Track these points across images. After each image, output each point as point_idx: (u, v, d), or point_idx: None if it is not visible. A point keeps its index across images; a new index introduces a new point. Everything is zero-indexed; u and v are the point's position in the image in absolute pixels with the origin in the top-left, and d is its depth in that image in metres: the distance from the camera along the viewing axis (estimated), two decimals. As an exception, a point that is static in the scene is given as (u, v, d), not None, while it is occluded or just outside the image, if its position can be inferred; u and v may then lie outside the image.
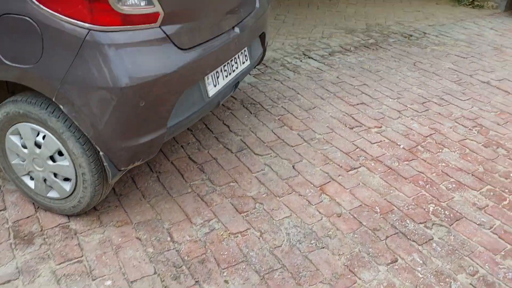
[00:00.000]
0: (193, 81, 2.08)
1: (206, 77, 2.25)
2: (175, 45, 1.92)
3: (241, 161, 2.68)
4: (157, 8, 1.80)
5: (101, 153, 1.83)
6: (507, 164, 2.78)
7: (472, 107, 3.48)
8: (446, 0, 6.58)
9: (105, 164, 1.86)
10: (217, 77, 2.37)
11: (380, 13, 5.90)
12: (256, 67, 4.03)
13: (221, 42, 2.28)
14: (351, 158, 2.78)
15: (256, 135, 2.98)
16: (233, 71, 2.53)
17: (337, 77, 3.92)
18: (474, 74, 4.07)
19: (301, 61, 4.27)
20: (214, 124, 3.08)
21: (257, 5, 2.78)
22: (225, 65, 2.43)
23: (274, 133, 3.01)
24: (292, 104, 3.42)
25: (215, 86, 2.34)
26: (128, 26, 1.74)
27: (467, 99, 3.60)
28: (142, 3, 1.76)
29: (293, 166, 2.67)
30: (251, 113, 3.26)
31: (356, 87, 3.75)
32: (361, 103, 3.48)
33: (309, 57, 4.36)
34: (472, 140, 3.03)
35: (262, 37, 2.96)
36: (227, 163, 2.65)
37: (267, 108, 3.35)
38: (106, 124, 1.77)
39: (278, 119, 3.20)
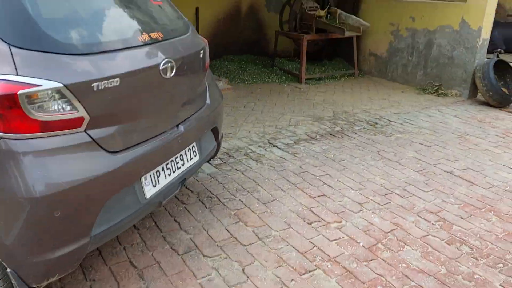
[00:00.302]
0: (124, 185, 1.96)
1: (143, 178, 2.14)
2: (103, 149, 1.83)
3: (187, 265, 2.48)
4: (82, 113, 1.73)
5: (8, 269, 1.64)
6: (470, 263, 2.63)
7: (435, 198, 3.40)
8: (412, 89, 6.82)
9: (13, 282, 1.67)
10: (158, 176, 2.25)
11: (347, 101, 6.04)
12: (218, 157, 3.96)
13: (161, 141, 2.20)
14: (307, 258, 2.60)
15: (208, 233, 2.81)
16: (178, 168, 2.43)
17: (300, 167, 3.86)
18: (437, 163, 4.05)
19: (265, 150, 4.23)
20: (164, 221, 2.92)
21: (208, 101, 2.76)
22: (168, 163, 2.34)
23: (228, 231, 2.85)
24: (250, 197, 3.29)
25: (154, 186, 2.22)
26: (49, 132, 1.65)
27: (430, 190, 3.53)
28: (65, 109, 1.68)
29: (243, 270, 2.48)
30: (206, 208, 3.12)
31: (318, 177, 3.67)
32: (322, 195, 3.37)
33: (274, 146, 4.33)
34: (434, 236, 2.90)
35: (215, 131, 2.91)
36: (170, 268, 2.45)
37: (224, 201, 3.21)
38: (15, 238, 1.60)
39: (234, 213, 3.06)
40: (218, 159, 3.94)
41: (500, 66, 6.20)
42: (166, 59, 2.17)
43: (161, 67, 2.13)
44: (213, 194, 3.31)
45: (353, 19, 6.76)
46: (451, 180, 3.72)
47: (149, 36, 2.16)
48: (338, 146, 4.37)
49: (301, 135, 4.65)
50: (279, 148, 4.27)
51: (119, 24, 2.07)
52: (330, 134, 4.71)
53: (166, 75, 2.17)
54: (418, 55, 6.79)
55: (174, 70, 2.23)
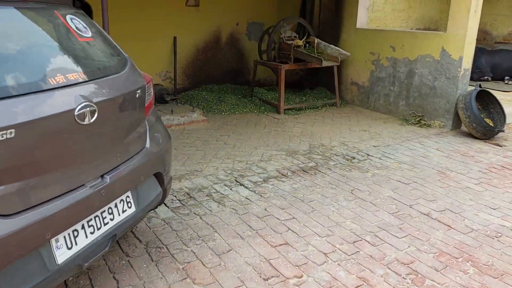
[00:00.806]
0: (22, 252, 1.66)
1: (53, 240, 1.84)
2: (-9, 213, 1.54)
3: (114, 336, 2.16)
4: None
5: None
6: (442, 329, 2.32)
7: (409, 246, 3.10)
8: (394, 119, 6.59)
9: None
10: (76, 237, 1.96)
11: (326, 133, 5.80)
12: (178, 199, 3.67)
13: (78, 196, 1.91)
14: (256, 324, 2.29)
15: (148, 292, 2.50)
16: (106, 224, 2.14)
17: (265, 209, 3.56)
18: (414, 203, 3.77)
19: (231, 189, 3.94)
20: (101, 278, 2.60)
21: (147, 144, 2.49)
22: (90, 220, 2.04)
23: (171, 290, 2.53)
24: (204, 247, 2.99)
25: (70, 248, 1.92)
26: None
27: (404, 236, 3.23)
28: None
29: None
30: (152, 261, 2.80)
31: (283, 221, 3.38)
32: (284, 243, 3.07)
33: (240, 184, 4.04)
34: (404, 293, 2.59)
35: (159, 176, 2.63)
36: None
37: (174, 253, 2.90)
38: None
39: (183, 268, 2.74)
40: (177, 201, 3.64)
41: (483, 96, 6.00)
42: (84, 103, 1.91)
43: (76, 112, 1.87)
44: (163, 244, 3.00)
45: (332, 49, 6.59)
46: (428, 224, 3.43)
47: (65, 77, 1.91)
48: (310, 185, 4.09)
49: (272, 172, 4.37)
50: (245, 187, 3.98)
51: (26, 65, 1.82)
52: (303, 171, 4.44)
53: (84, 121, 1.91)
54: (399, 84, 6.60)
55: (96, 115, 1.97)
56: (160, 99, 6.40)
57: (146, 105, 2.53)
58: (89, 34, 2.34)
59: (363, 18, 7.18)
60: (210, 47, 7.98)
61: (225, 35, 8.12)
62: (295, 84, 8.25)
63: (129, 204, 2.33)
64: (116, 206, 2.23)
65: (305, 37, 6.72)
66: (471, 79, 8.53)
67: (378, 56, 6.85)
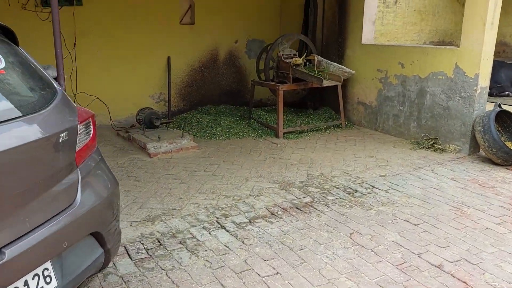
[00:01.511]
0: None
1: None
2: None
3: None
4: None
5: None
6: None
7: (416, 314, 2.52)
8: (404, 143, 6.00)
9: None
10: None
11: (327, 160, 5.25)
12: (146, 247, 3.16)
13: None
14: None
15: None
16: (5, 311, 1.63)
17: (245, 261, 3.02)
18: (423, 251, 3.18)
19: (209, 233, 3.42)
20: None
21: (78, 199, 1.99)
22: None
23: None
24: (163, 315, 2.46)
25: None
26: None
27: (410, 299, 2.65)
28: None
29: None
30: (95, 337, 2.29)
31: (264, 278, 2.83)
32: (262, 310, 2.52)
33: (221, 227, 3.51)
34: None
35: (98, 236, 2.13)
36: None
37: (125, 324, 2.38)
38: None
39: None
40: (144, 251, 3.14)
41: (503, 116, 5.39)
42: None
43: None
44: (114, 312, 2.49)
45: (334, 67, 6.08)
46: (439, 280, 2.84)
47: None
48: (302, 226, 3.54)
49: (260, 210, 3.84)
50: (227, 231, 3.45)
51: None
52: (296, 208, 3.89)
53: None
54: (410, 104, 6.03)
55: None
56: (149, 123, 5.96)
57: (78, 150, 2.04)
58: (1, 65, 1.87)
59: (369, 33, 6.66)
60: (206, 67, 7.55)
61: (223, 53, 7.69)
62: (298, 104, 7.74)
63: (48, 279, 1.83)
64: (26, 285, 1.73)
65: (304, 55, 6.22)
66: (490, 94, 7.90)
67: (386, 74, 6.31)
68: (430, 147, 5.68)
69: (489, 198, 4.16)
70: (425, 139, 5.84)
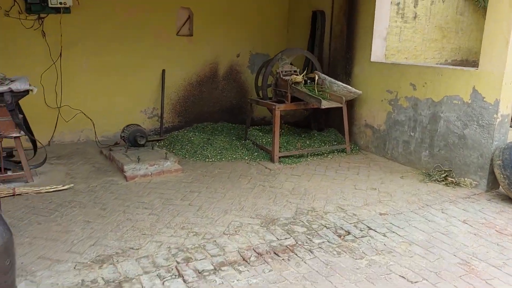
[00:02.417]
0: None
1: None
2: None
3: None
4: None
5: None
6: None
7: None
8: (414, 173, 5.36)
9: None
10: None
11: (323, 190, 4.66)
12: (78, 300, 2.65)
13: None
14: None
15: None
16: None
17: (195, 326, 2.47)
18: (418, 324, 2.57)
19: (163, 284, 2.88)
20: None
21: None
22: None
23: None
24: None
25: None
26: None
27: None
28: None
29: None
30: None
31: None
32: None
33: (179, 275, 2.97)
34: None
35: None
36: None
37: None
38: None
39: None
40: (77, 305, 2.62)
41: (528, 149, 4.70)
42: None
43: None
44: None
45: (338, 86, 5.51)
46: None
47: None
48: (274, 279, 2.97)
49: (231, 254, 3.28)
50: (184, 281, 2.91)
51: None
52: (274, 253, 3.32)
53: None
54: (422, 130, 5.39)
55: None
56: (133, 142, 5.50)
57: None
58: None
59: (379, 50, 6.07)
60: (205, 81, 7.08)
61: (224, 67, 7.21)
62: (302, 124, 7.18)
63: None
64: None
65: (304, 72, 5.67)
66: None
67: (396, 95, 5.69)
68: (443, 180, 5.02)
69: (507, 249, 3.50)
70: (438, 171, 5.18)
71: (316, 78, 5.45)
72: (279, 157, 5.59)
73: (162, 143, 6.27)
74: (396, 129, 5.75)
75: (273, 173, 5.22)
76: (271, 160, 5.60)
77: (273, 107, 5.48)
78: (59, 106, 5.97)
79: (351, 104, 6.39)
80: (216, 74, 7.17)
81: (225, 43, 7.10)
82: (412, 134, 5.53)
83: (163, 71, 6.65)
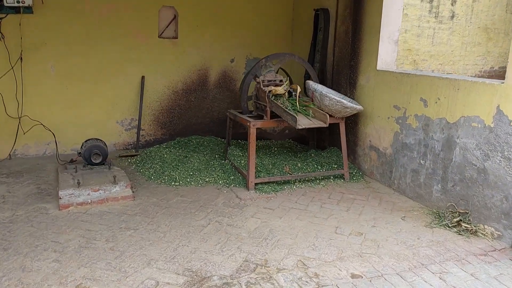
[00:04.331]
0: None
1: None
2: None
3: None
4: None
5: None
6: None
7: None
8: (421, 212, 4.22)
9: None
10: None
11: (293, 234, 3.67)
12: None
13: None
14: None
15: None
16: None
17: None
18: None
19: None
20: None
21: None
22: None
23: None
24: None
25: None
26: None
27: None
28: None
29: None
30: None
31: None
32: None
33: None
34: None
35: None
36: None
37: None
38: None
39: None
40: None
41: None
42: None
43: None
44: None
45: (330, 100, 4.48)
46: None
47: None
48: None
49: (115, 335, 2.41)
50: None
51: None
52: (175, 337, 2.40)
53: None
54: (433, 158, 4.25)
55: None
56: (89, 160, 4.78)
57: None
58: None
59: (388, 55, 4.97)
60: (193, 90, 6.27)
61: (215, 74, 6.36)
62: (302, 139, 6.18)
63: None
64: None
65: (286, 82, 4.67)
66: None
67: (404, 113, 4.57)
68: (455, 226, 3.86)
69: None
70: (450, 212, 4.02)
71: (298, 90, 4.45)
72: (255, 184, 4.64)
73: (134, 159, 5.52)
74: (404, 154, 4.62)
75: (242, 205, 4.29)
76: (246, 187, 4.66)
77: (248, 123, 4.54)
78: (19, 116, 5.38)
79: (355, 120, 5.31)
80: (206, 82, 6.33)
81: (217, 47, 6.25)
82: (422, 162, 4.38)
83: (143, 77, 5.91)
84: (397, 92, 4.65)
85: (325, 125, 4.26)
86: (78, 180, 4.22)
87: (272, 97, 4.50)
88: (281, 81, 4.76)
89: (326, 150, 5.70)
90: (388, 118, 4.81)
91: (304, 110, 4.41)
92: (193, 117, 6.33)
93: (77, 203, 4.07)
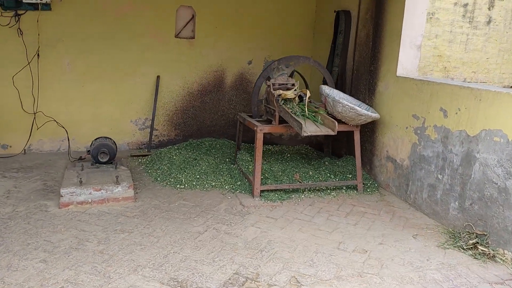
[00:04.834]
0: None
1: None
2: None
3: None
4: None
5: None
6: None
7: None
8: (435, 232, 3.92)
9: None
10: None
11: (291, 247, 3.48)
12: None
13: None
14: None
15: None
16: None
17: None
18: None
19: None
20: None
21: None
22: None
23: None
24: None
25: None
26: None
27: None
28: None
29: None
30: None
31: None
32: None
33: None
34: None
35: None
36: None
37: None
38: None
39: None
40: None
41: None
42: None
43: None
44: None
45: (344, 107, 4.25)
46: None
47: None
48: None
49: None
50: None
51: None
52: None
53: None
54: (451, 173, 3.94)
55: None
56: (96, 158, 4.75)
57: None
58: None
59: (409, 61, 4.68)
60: (208, 91, 6.16)
61: (232, 75, 6.23)
62: (319, 146, 5.96)
63: None
64: None
65: (296, 86, 4.47)
66: None
67: (423, 123, 4.28)
68: (471, 248, 3.55)
69: None
70: (467, 232, 3.71)
71: (307, 95, 4.24)
72: (261, 191, 4.47)
73: (145, 159, 5.47)
74: (421, 168, 4.32)
75: (244, 212, 4.13)
76: (252, 193, 4.49)
77: (255, 127, 4.37)
78: (35, 112, 5.43)
79: (373, 129, 5.05)
80: (222, 83, 6.21)
81: (234, 48, 6.12)
82: (439, 176, 4.08)
83: (158, 77, 5.85)
84: (416, 100, 4.36)
85: (333, 133, 4.03)
86: (81, 178, 4.18)
87: (281, 101, 4.31)
88: (293, 85, 4.56)
89: (342, 159, 5.45)
90: (407, 128, 4.52)
91: (314, 116, 4.20)
92: (208, 119, 6.23)
93: (77, 202, 4.03)
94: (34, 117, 5.44)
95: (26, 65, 5.26)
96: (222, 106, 6.27)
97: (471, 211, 3.73)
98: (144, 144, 6.01)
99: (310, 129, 3.92)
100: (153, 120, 5.85)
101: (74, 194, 4.07)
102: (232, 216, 4.05)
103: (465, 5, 7.30)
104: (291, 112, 4.19)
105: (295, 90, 4.35)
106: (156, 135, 6.05)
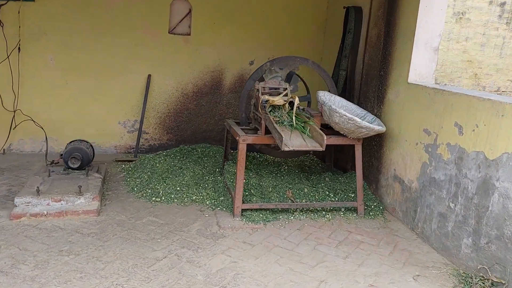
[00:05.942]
0: None
1: None
2: None
3: None
4: None
5: None
6: None
7: None
8: (442, 273, 3.23)
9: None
10: None
11: (262, 283, 2.89)
12: None
13: None
14: None
15: None
16: None
17: None
18: None
19: None
20: None
21: None
22: None
23: None
24: None
25: None
26: None
27: None
28: None
29: None
30: None
31: None
32: None
33: None
34: None
35: None
36: None
37: None
38: None
39: None
40: None
41: None
42: None
43: None
44: None
45: (341, 117, 3.62)
46: None
47: None
48: None
49: None
50: None
51: None
52: None
53: None
54: (465, 202, 3.24)
55: None
56: (67, 163, 4.32)
57: None
58: None
59: (423, 66, 3.99)
60: (204, 93, 5.65)
61: (231, 77, 5.69)
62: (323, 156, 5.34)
63: None
64: None
65: (285, 92, 3.86)
66: None
67: (435, 139, 3.59)
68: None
69: None
70: (481, 278, 3.01)
71: (296, 102, 3.64)
72: (243, 210, 3.90)
73: (128, 166, 5.01)
74: (431, 192, 3.64)
75: (218, 235, 3.57)
76: (233, 212, 3.93)
77: (237, 137, 3.81)
78: (15, 110, 5.08)
79: (380, 143, 4.38)
80: (220, 85, 5.68)
81: (234, 47, 5.58)
82: (451, 205, 3.39)
83: (149, 76, 5.39)
84: (429, 112, 3.67)
85: (321, 149, 3.40)
86: (38, 187, 3.74)
87: (268, 108, 3.73)
88: (285, 89, 3.97)
89: (346, 174, 4.80)
90: (417, 144, 3.84)
91: (303, 127, 3.59)
92: (203, 124, 5.71)
93: (31, 214, 3.59)
94: (14, 115, 5.08)
95: (5, 59, 4.90)
96: (219, 110, 5.74)
97: (487, 251, 3.03)
98: (133, 148, 5.57)
99: (293, 142, 3.32)
100: (141, 122, 5.39)
101: (29, 204, 3.64)
102: (203, 239, 3.50)
103: (502, 4, 6.45)
104: (278, 121, 3.60)
105: (284, 96, 3.75)
106: (147, 139, 5.59)
